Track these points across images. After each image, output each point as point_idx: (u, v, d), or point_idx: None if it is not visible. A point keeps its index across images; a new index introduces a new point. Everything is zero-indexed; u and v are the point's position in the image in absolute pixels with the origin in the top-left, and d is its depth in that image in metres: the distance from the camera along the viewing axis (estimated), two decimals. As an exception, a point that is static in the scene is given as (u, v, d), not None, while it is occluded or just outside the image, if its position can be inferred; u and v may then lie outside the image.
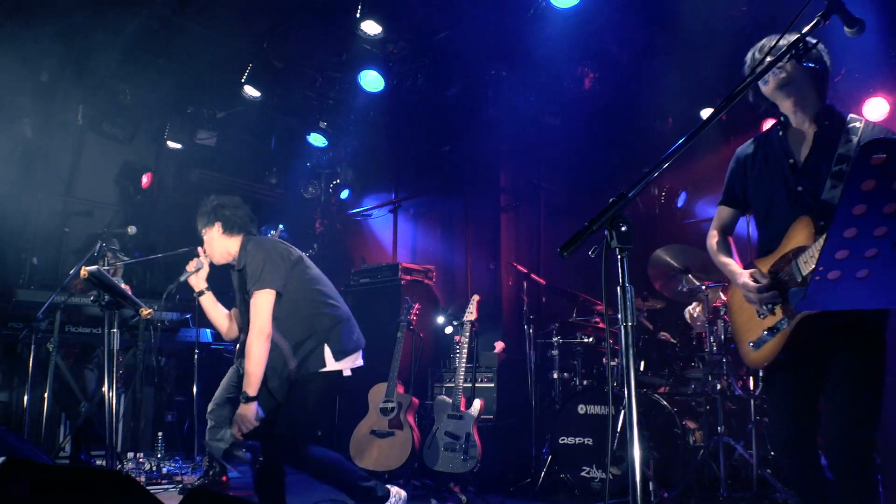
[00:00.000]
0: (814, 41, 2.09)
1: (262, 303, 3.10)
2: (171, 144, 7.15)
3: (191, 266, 3.42)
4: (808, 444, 2.21)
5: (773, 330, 2.17)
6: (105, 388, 3.66)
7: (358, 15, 5.15)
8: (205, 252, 3.41)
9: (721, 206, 2.51)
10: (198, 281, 3.43)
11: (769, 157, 2.33)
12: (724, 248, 2.46)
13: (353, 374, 3.32)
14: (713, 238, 2.50)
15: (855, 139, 2.16)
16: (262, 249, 3.20)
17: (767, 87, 2.25)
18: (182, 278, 3.40)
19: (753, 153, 2.38)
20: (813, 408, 2.21)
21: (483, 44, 5.60)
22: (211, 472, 4.59)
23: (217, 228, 3.34)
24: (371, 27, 5.25)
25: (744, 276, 2.26)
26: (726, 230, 2.50)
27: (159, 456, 5.03)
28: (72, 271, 4.22)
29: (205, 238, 3.40)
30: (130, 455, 4.78)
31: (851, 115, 2.24)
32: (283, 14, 5.58)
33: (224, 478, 4.77)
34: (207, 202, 3.41)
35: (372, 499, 3.28)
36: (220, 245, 3.35)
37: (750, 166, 2.38)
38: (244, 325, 3.30)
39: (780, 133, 2.31)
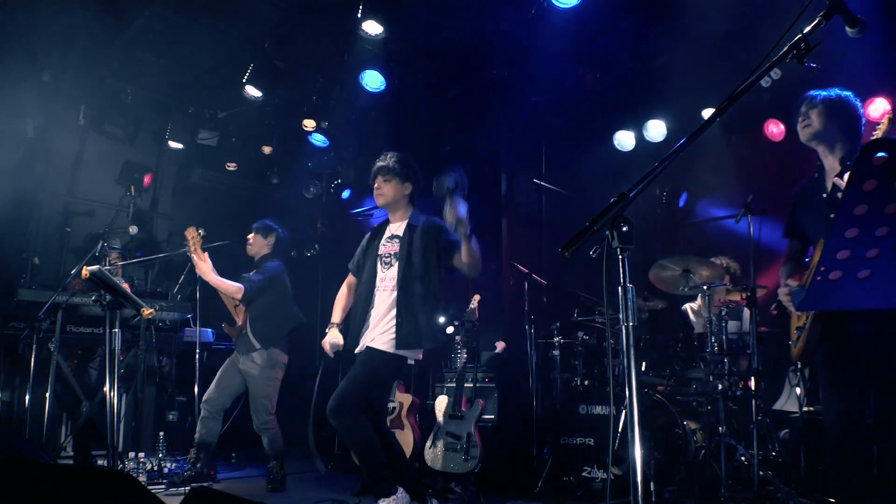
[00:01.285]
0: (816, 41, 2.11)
1: None
2: (173, 144, 7.15)
3: None
4: (855, 433, 2.42)
5: (800, 329, 2.62)
6: (107, 388, 3.66)
7: (359, 15, 5.14)
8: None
9: (790, 241, 2.97)
10: None
11: (811, 193, 2.81)
12: (788, 272, 2.89)
13: None
14: (784, 266, 2.94)
15: None
16: None
17: (801, 137, 2.70)
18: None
19: (802, 193, 2.88)
20: (853, 397, 2.47)
21: (484, 44, 5.60)
22: (198, 465, 4.59)
23: (407, 188, 3.75)
24: (372, 27, 5.24)
25: (782, 285, 2.75)
26: (794, 258, 2.94)
27: (160, 455, 5.02)
28: (73, 271, 4.22)
29: (384, 181, 3.69)
30: (132, 455, 4.77)
31: None
32: (285, 14, 5.57)
33: (212, 471, 4.78)
34: (408, 160, 3.72)
35: (383, 490, 3.37)
36: (399, 198, 3.74)
37: (800, 203, 2.88)
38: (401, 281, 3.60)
39: (817, 175, 2.79)
